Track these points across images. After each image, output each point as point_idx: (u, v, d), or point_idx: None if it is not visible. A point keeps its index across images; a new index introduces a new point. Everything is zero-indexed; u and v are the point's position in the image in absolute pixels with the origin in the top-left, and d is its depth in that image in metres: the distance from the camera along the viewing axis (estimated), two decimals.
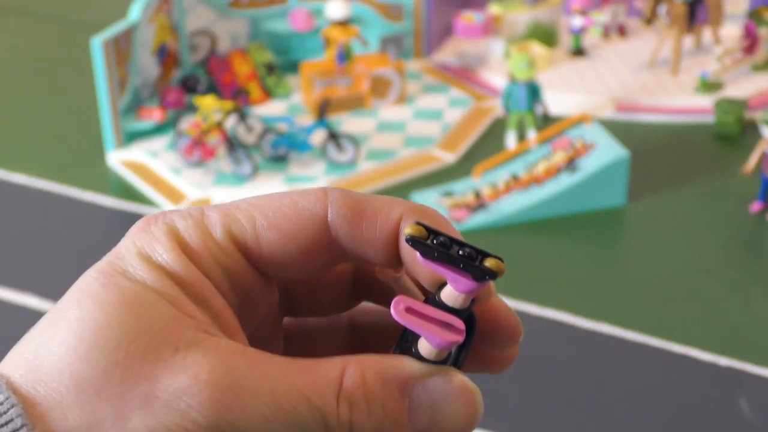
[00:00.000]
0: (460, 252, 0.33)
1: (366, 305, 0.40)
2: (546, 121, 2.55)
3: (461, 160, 2.46)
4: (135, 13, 2.54)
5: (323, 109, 2.45)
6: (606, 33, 3.07)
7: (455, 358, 0.34)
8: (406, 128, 2.62)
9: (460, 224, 2.16)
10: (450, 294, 0.34)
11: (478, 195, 2.26)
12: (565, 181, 2.24)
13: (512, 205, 2.23)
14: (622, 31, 3.10)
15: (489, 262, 0.33)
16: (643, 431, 1.67)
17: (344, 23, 2.68)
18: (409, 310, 0.33)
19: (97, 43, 2.40)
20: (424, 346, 0.34)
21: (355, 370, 0.33)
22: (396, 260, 0.35)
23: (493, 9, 3.06)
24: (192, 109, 2.62)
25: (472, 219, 2.20)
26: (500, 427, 1.65)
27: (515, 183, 2.28)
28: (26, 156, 2.55)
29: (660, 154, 2.48)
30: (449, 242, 0.33)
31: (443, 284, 0.34)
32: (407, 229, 0.33)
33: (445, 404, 0.33)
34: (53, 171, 2.45)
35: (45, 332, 0.32)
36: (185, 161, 2.43)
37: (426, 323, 0.33)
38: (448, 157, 2.48)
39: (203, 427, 0.30)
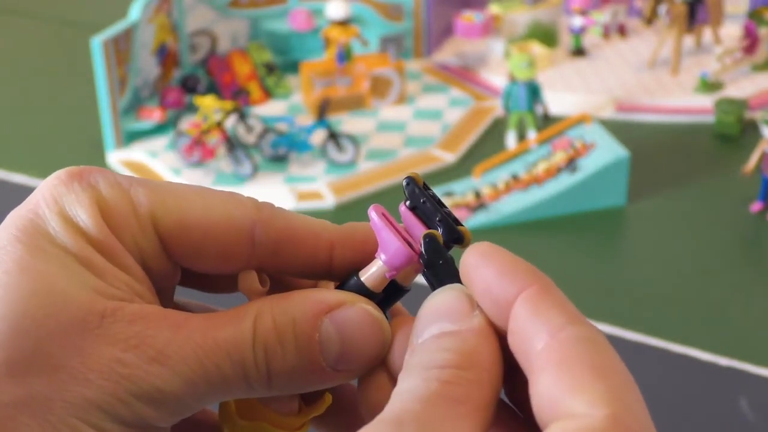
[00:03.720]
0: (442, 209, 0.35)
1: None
2: (546, 121, 2.55)
3: (461, 160, 2.46)
4: (135, 13, 2.54)
5: (323, 109, 2.45)
6: (606, 33, 3.07)
7: (381, 301, 0.35)
8: (406, 128, 2.62)
9: None
10: (377, 271, 0.35)
11: (478, 195, 2.26)
12: (565, 181, 2.24)
13: (512, 205, 2.23)
14: (622, 31, 3.10)
15: (462, 228, 0.35)
16: None
17: (344, 23, 2.68)
18: (384, 215, 0.35)
19: (97, 43, 2.40)
20: (369, 272, 0.35)
21: (266, 315, 0.33)
22: (317, 278, 0.37)
23: (493, 9, 3.06)
24: (192, 109, 2.62)
25: (472, 219, 2.20)
26: None
27: (515, 183, 2.28)
28: (26, 156, 2.55)
29: (660, 154, 2.48)
30: (437, 198, 0.35)
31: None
32: (409, 173, 0.36)
33: (352, 334, 0.34)
34: (53, 171, 2.44)
35: None
36: (185, 161, 2.43)
37: (392, 229, 0.35)
38: (448, 157, 2.48)
39: (135, 395, 0.32)
